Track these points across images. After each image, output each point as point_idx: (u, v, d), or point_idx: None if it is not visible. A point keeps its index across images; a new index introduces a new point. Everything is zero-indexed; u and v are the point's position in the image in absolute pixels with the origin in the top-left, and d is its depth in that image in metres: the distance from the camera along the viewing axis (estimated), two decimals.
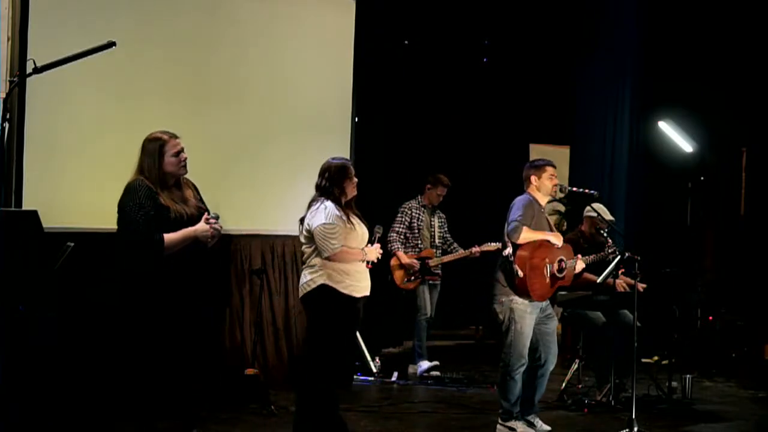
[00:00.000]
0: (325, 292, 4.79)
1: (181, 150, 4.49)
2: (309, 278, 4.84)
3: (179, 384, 4.48)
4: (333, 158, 4.99)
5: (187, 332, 4.45)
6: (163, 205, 4.35)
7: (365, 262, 4.89)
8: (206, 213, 4.49)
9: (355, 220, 4.91)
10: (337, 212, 4.81)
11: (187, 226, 4.39)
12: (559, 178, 5.77)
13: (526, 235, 5.43)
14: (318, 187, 4.92)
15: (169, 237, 4.31)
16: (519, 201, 5.56)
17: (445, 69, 9.89)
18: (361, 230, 4.92)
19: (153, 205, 4.32)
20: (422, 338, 7.61)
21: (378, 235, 5.02)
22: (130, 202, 4.32)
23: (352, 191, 4.93)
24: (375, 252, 4.91)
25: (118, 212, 4.37)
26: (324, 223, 4.75)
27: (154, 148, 4.44)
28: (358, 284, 4.86)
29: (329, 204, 4.82)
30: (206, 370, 4.73)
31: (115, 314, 5.13)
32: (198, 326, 4.56)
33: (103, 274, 5.26)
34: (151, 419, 4.47)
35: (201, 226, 4.41)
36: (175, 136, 4.51)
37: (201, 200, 4.63)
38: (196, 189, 4.65)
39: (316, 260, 4.82)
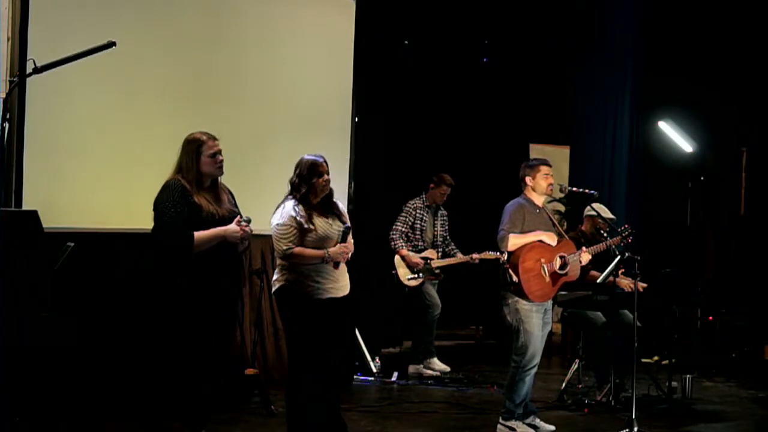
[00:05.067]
0: (286, 293, 4.73)
1: (219, 152, 4.59)
2: (274, 278, 4.82)
3: (195, 384, 4.54)
4: (308, 154, 4.83)
5: (209, 332, 4.52)
6: (195, 203, 4.46)
7: (332, 264, 4.70)
8: (239, 216, 4.59)
9: (322, 220, 4.72)
10: (294, 212, 4.65)
11: (218, 227, 4.48)
12: (559, 178, 5.79)
13: (515, 242, 5.48)
14: (289, 183, 4.80)
15: (198, 234, 4.41)
16: (507, 208, 5.63)
17: (445, 69, 9.88)
18: (327, 230, 4.71)
19: (186, 204, 4.43)
20: (434, 334, 7.66)
21: (346, 234, 4.77)
22: (164, 200, 4.44)
23: (322, 190, 4.75)
24: (340, 252, 4.69)
25: (154, 210, 4.48)
26: (277, 224, 4.67)
27: (193, 149, 4.55)
28: (321, 286, 4.68)
29: (288, 204, 4.72)
30: (219, 371, 4.75)
31: (142, 310, 5.19)
32: (219, 327, 4.62)
33: (143, 270, 5.29)
34: (161, 419, 4.49)
35: (231, 227, 4.51)
36: (214, 138, 4.61)
37: (235, 205, 4.73)
38: (231, 194, 4.76)
39: (280, 261, 4.76)
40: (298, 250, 4.64)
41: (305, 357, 4.72)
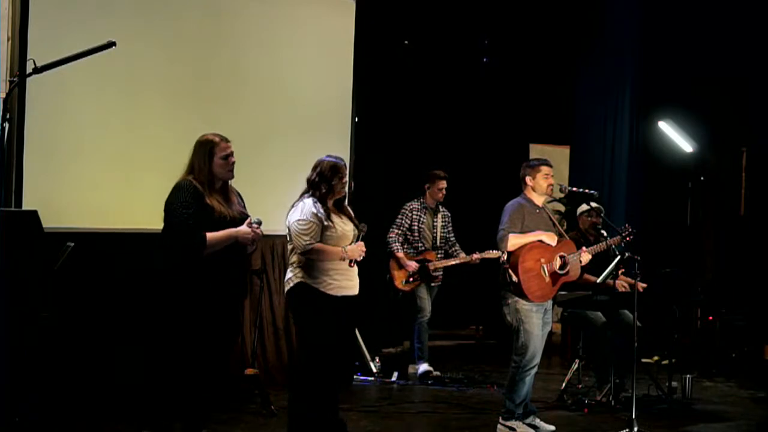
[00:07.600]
0: (303, 290, 4.79)
1: (231, 154, 4.58)
2: (289, 276, 4.88)
3: (198, 384, 4.54)
4: (328, 156, 4.99)
5: (215, 334, 4.52)
6: (208, 204, 4.46)
7: (348, 261, 4.84)
8: (249, 217, 4.60)
9: (338, 218, 4.88)
10: (314, 209, 4.78)
11: (229, 228, 4.48)
12: (559, 178, 5.80)
13: (514, 242, 5.49)
14: (307, 181, 4.93)
15: (211, 236, 4.40)
16: (507, 208, 5.65)
17: (445, 69, 9.89)
18: (344, 229, 4.87)
19: (198, 205, 4.42)
20: (423, 340, 7.56)
21: (362, 233, 4.96)
22: (177, 200, 4.43)
23: (340, 191, 4.92)
24: (357, 251, 4.86)
25: (165, 210, 4.46)
26: (298, 220, 4.77)
27: (205, 150, 4.55)
28: (338, 283, 4.81)
29: (307, 201, 4.83)
30: (221, 372, 4.76)
31: (149, 311, 5.19)
32: (227, 328, 4.63)
33: (145, 270, 5.31)
34: (161, 419, 4.49)
35: (243, 229, 4.52)
36: (227, 140, 4.61)
37: (244, 207, 4.74)
38: (240, 196, 4.77)
39: (295, 258, 4.84)
40: (318, 245, 4.76)
41: (318, 355, 4.78)
